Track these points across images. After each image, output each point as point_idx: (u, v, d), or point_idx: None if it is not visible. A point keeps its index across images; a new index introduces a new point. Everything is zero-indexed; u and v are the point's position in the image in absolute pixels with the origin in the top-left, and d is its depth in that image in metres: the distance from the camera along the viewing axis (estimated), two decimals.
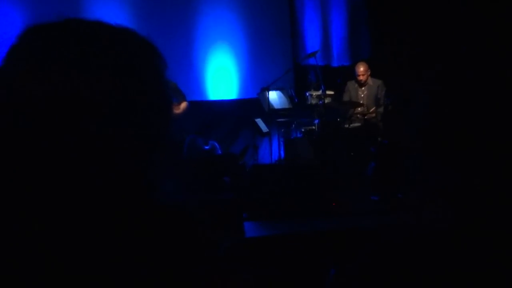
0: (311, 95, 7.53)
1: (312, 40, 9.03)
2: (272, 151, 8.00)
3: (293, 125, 7.88)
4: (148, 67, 0.86)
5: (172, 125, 0.88)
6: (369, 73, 7.67)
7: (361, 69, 7.66)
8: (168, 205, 0.88)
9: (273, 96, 7.79)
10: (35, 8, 7.74)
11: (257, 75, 8.67)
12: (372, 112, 7.46)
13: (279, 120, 7.95)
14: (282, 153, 7.98)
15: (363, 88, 7.68)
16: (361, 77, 7.65)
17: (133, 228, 0.81)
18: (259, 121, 7.78)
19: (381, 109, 7.48)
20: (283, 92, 7.93)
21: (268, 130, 7.82)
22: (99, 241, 0.79)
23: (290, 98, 7.95)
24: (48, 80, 0.77)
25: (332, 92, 7.68)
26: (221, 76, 8.81)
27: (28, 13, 7.74)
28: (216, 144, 7.42)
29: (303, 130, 7.62)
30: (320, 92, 7.44)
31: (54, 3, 7.09)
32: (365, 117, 7.41)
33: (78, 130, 0.77)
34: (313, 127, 7.47)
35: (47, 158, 0.77)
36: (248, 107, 8.47)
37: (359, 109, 7.56)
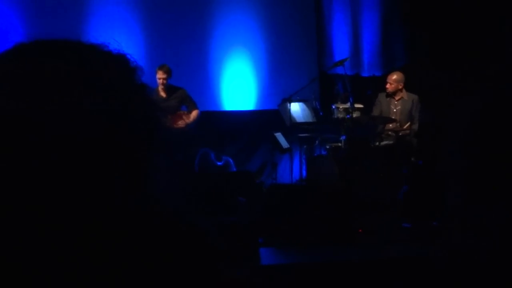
0: (337, 108, 7.52)
1: (341, 47, 9.03)
2: (292, 169, 8.00)
3: (317, 141, 7.87)
4: (127, 88, 0.87)
5: (162, 152, 0.89)
6: (401, 86, 7.58)
7: (393, 77, 7.60)
8: (175, 223, 0.88)
9: (295, 108, 7.79)
10: (34, 8, 7.90)
11: (277, 85, 8.69)
12: (406, 129, 7.41)
13: (302, 135, 7.95)
14: (304, 172, 7.97)
15: (396, 102, 7.64)
16: (387, 86, 7.60)
17: (132, 244, 0.82)
18: (279, 136, 7.78)
19: (415, 126, 7.44)
20: (306, 104, 7.93)
21: (288, 146, 7.82)
22: (92, 261, 0.79)
23: (314, 111, 7.95)
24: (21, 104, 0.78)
25: (361, 105, 7.65)
26: (238, 85, 8.84)
27: (26, 14, 7.89)
28: (231, 160, 7.44)
29: (328, 147, 7.60)
30: (348, 105, 7.43)
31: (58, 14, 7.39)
32: (398, 134, 7.37)
33: (49, 158, 0.78)
34: (339, 144, 7.45)
35: (30, 185, 0.78)
36: (267, 119, 8.47)
37: (390, 125, 7.54)
